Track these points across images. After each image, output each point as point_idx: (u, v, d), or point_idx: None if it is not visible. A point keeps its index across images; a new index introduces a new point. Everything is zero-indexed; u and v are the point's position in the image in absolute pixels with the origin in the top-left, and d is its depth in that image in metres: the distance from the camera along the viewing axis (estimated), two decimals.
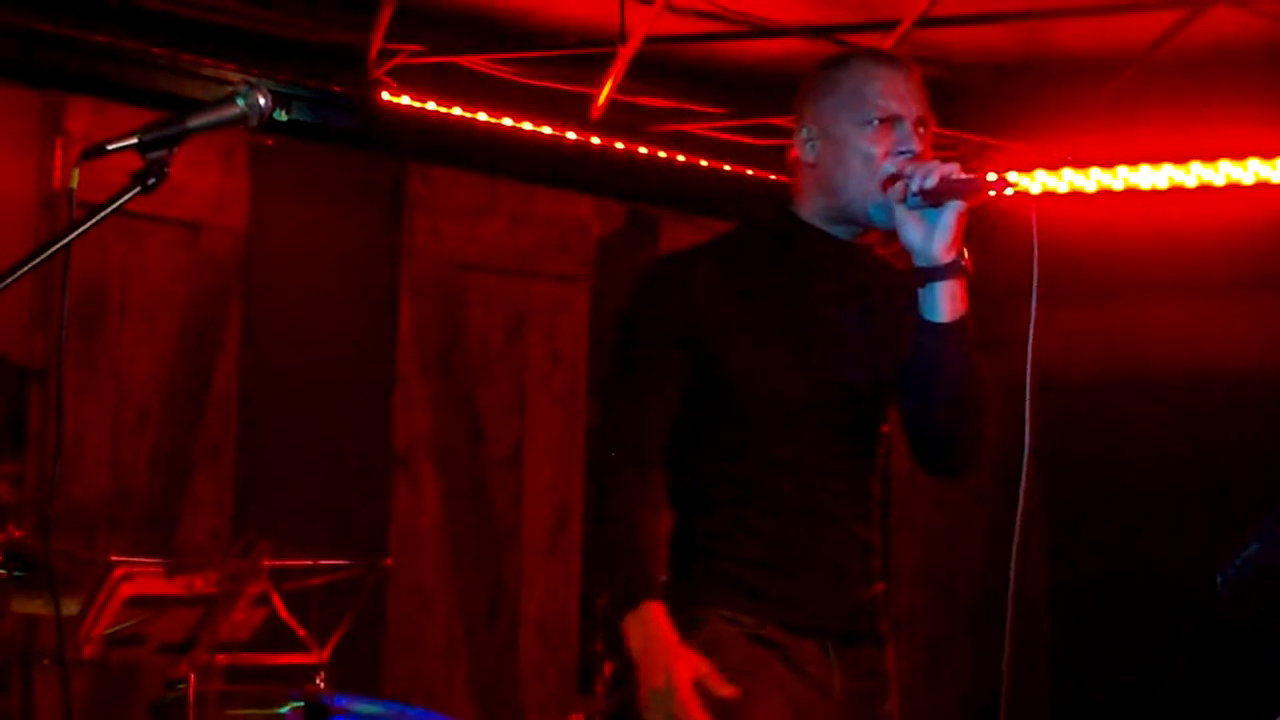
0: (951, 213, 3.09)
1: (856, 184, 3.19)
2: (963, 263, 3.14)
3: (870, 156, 3.17)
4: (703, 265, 3.24)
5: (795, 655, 3.19)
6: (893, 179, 3.14)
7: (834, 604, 3.23)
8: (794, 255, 3.27)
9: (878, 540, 3.31)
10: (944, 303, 3.14)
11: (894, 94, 3.20)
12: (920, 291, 3.15)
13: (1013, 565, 3.08)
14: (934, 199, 3.09)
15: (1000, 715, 3.14)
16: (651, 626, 3.06)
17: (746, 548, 3.19)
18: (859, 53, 3.36)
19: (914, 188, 3.10)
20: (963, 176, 3.08)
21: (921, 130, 3.20)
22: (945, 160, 3.13)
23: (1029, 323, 3.00)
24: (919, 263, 3.14)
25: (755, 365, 3.19)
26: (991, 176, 3.10)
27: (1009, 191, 3.05)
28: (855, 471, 3.28)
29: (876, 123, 3.18)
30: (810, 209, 3.27)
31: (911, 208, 3.12)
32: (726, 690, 3.03)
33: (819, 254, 3.26)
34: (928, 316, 3.15)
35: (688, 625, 3.14)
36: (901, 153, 3.16)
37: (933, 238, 3.11)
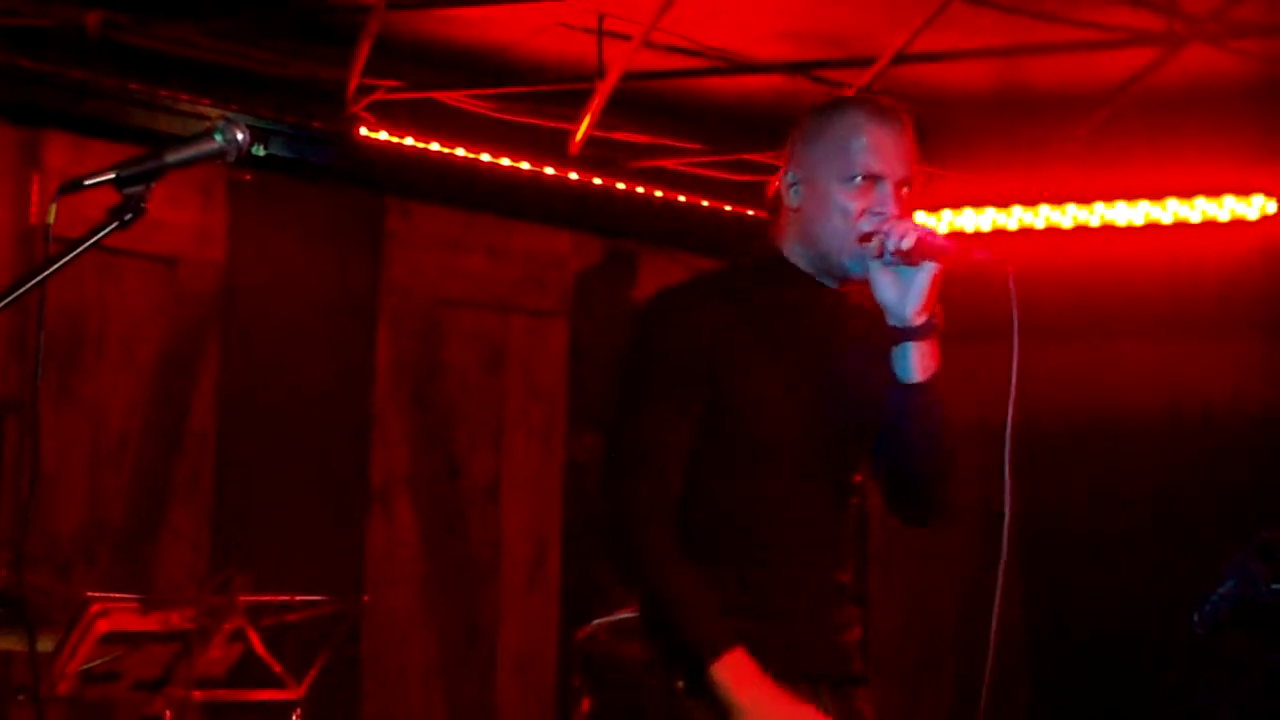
0: (926, 274, 3.11)
1: (834, 237, 3.19)
2: (935, 322, 3.16)
3: (848, 212, 3.16)
4: (709, 302, 3.22)
5: None
6: (868, 236, 3.14)
7: (824, 649, 3.23)
8: (785, 298, 3.26)
9: (854, 584, 3.32)
10: (916, 363, 3.16)
11: (880, 151, 3.18)
12: (893, 350, 3.17)
13: (994, 615, 3.09)
14: (910, 259, 3.10)
15: None
16: (751, 672, 3.08)
17: (741, 597, 3.17)
18: (853, 101, 3.33)
19: (890, 247, 3.10)
20: (939, 241, 3.09)
21: (904, 191, 3.19)
22: (923, 223, 3.14)
23: (1011, 379, 3.02)
24: (892, 321, 3.16)
25: (754, 408, 3.18)
26: (965, 239, 3.12)
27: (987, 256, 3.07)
28: (834, 516, 3.28)
29: (859, 179, 3.17)
30: (793, 253, 3.26)
31: (887, 264, 3.12)
32: None
33: (808, 299, 3.26)
34: (900, 376, 3.17)
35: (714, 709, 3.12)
36: (878, 214, 3.15)
37: (906, 298, 3.13)
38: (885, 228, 3.12)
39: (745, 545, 3.19)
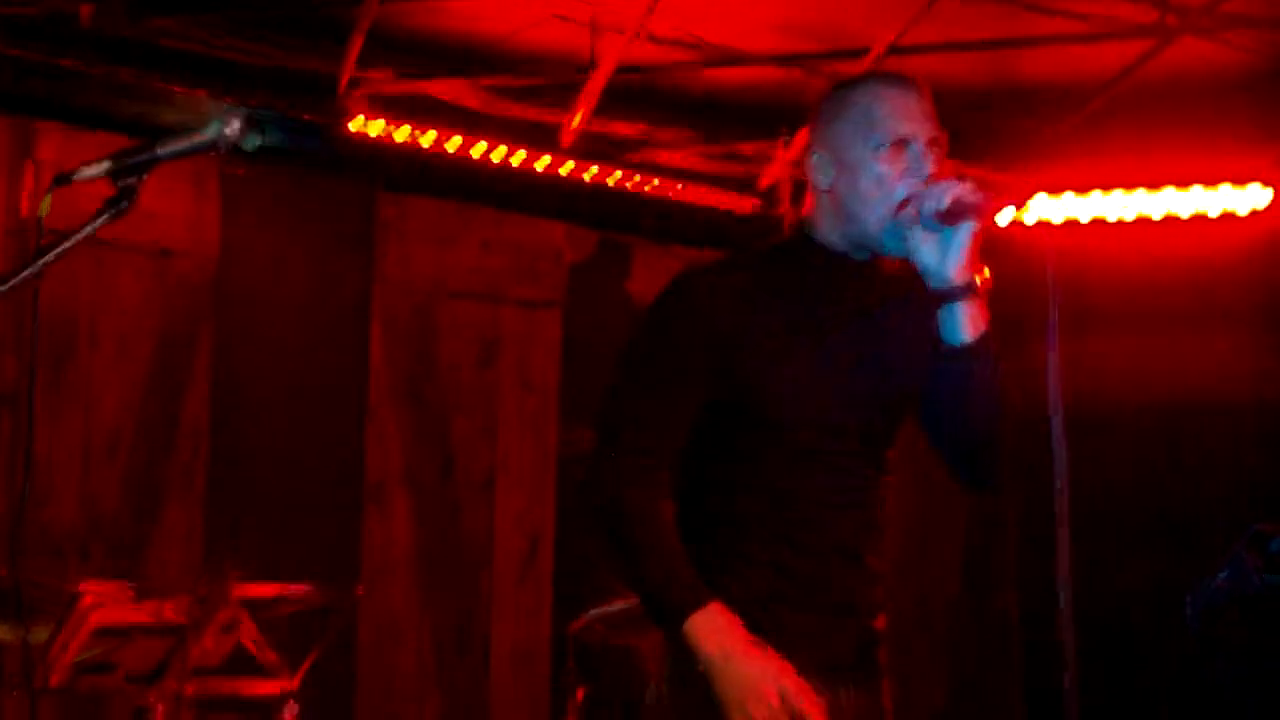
0: (965, 233, 3.06)
1: (871, 209, 3.13)
2: (979, 282, 3.11)
3: (883, 179, 3.12)
4: (732, 284, 3.17)
5: None
6: (906, 203, 3.10)
7: (843, 640, 3.20)
8: (811, 279, 3.20)
9: (883, 569, 3.26)
10: (964, 323, 3.11)
11: (905, 115, 3.15)
12: (939, 314, 3.12)
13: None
14: (948, 220, 3.06)
15: None
16: (722, 626, 3.04)
17: (756, 582, 3.13)
18: (870, 74, 3.32)
19: (927, 210, 3.06)
20: (975, 197, 3.05)
21: (934, 151, 3.15)
22: (958, 179, 3.09)
23: (1049, 351, 3.02)
24: (934, 285, 3.10)
25: (777, 390, 3.13)
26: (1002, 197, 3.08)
27: (1026, 216, 3.05)
28: (867, 500, 3.23)
29: (888, 145, 3.12)
30: (827, 233, 3.21)
31: (925, 229, 3.08)
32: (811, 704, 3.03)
33: (835, 277, 3.20)
34: (949, 339, 3.12)
35: (695, 664, 3.08)
36: (915, 174, 3.12)
37: (947, 259, 3.08)
38: (919, 192, 3.08)
39: (773, 531, 3.14)
